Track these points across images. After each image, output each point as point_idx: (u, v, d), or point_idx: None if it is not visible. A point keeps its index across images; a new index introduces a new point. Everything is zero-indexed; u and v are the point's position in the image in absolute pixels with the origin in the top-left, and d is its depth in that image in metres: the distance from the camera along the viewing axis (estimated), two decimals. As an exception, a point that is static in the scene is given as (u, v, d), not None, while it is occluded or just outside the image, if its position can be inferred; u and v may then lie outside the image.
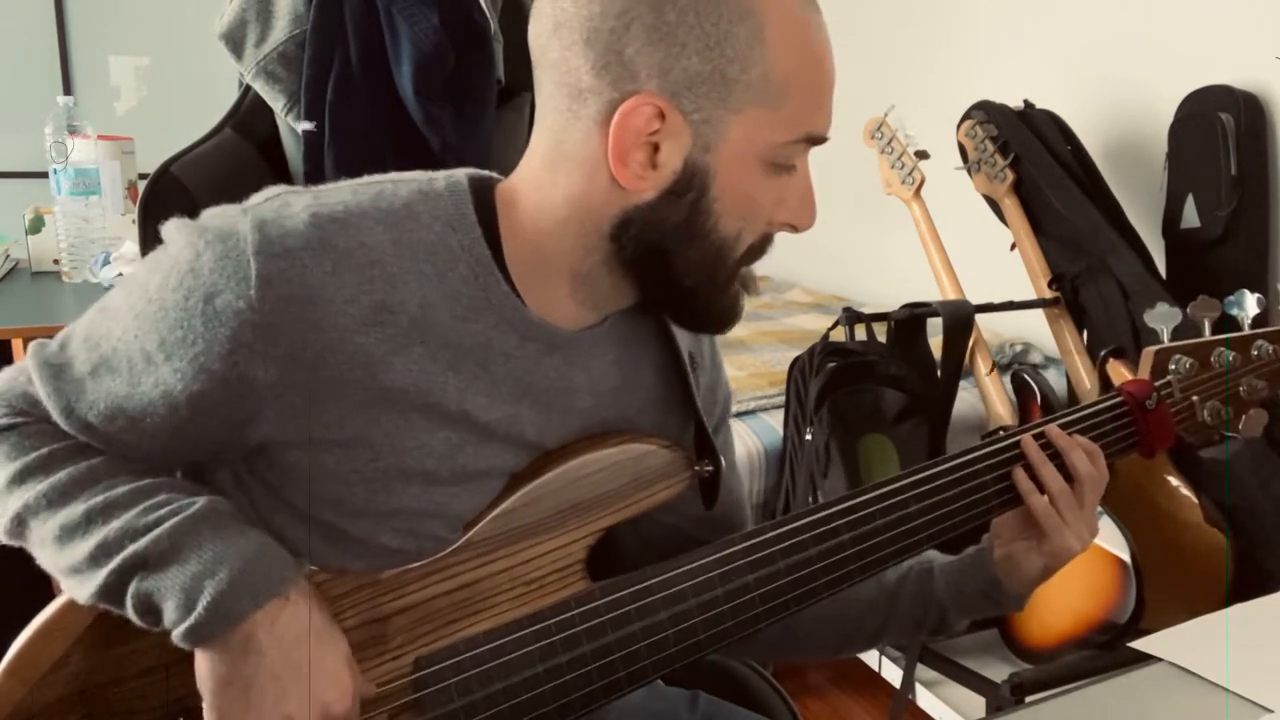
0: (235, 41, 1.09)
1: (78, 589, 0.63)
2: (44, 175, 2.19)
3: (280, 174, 1.14)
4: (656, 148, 0.64)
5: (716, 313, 0.72)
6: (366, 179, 0.69)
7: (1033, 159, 2.00)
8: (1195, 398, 0.87)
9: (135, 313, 0.64)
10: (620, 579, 0.72)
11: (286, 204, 0.64)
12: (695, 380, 0.80)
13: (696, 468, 0.77)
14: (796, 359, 1.85)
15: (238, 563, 0.61)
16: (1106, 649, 1.59)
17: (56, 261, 2.19)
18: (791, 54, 0.64)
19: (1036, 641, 1.68)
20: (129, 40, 3.49)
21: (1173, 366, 0.87)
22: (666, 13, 0.61)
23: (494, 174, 0.73)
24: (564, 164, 0.66)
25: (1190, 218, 1.90)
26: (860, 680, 2.07)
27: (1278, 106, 1.89)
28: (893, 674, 1.82)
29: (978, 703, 1.69)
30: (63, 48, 3.42)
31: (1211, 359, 0.88)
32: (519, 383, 0.69)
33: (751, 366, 2.20)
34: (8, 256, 2.30)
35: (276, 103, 1.11)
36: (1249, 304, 0.91)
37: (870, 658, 1.89)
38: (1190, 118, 1.91)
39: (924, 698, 1.77)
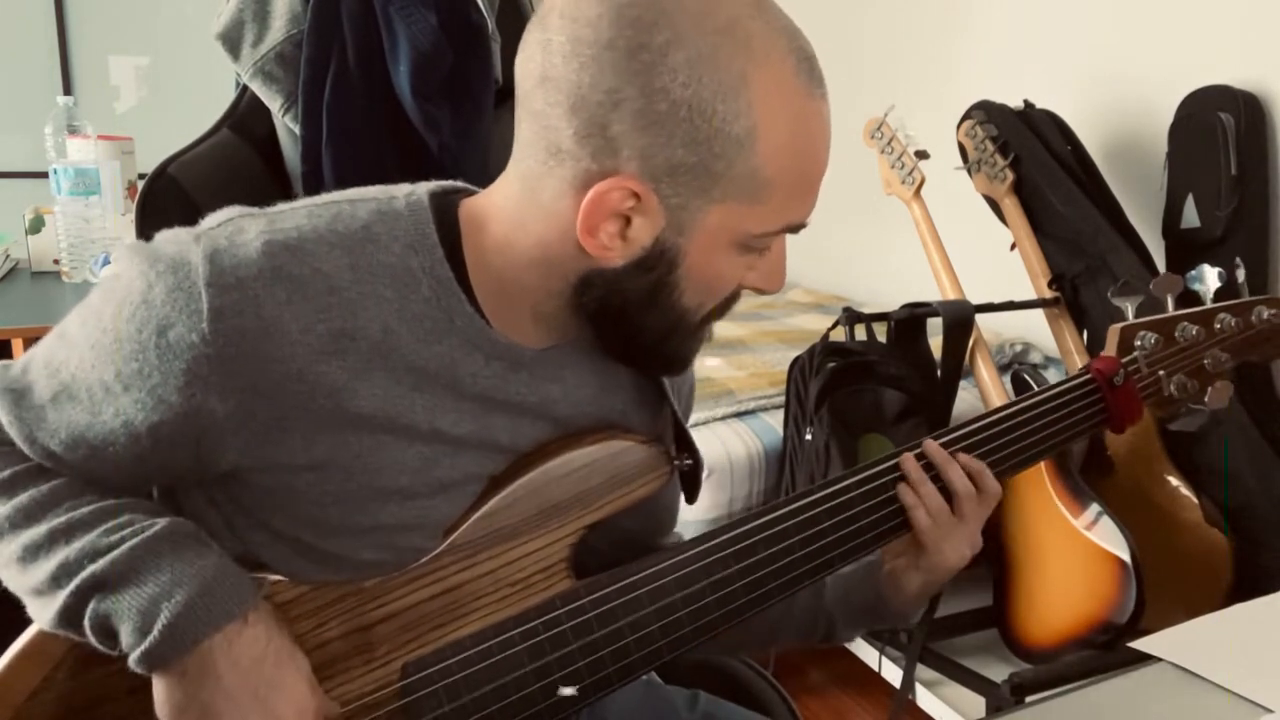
0: (232, 42, 1.09)
1: (41, 612, 0.62)
2: (44, 175, 2.19)
3: (277, 173, 1.14)
4: (629, 220, 0.63)
5: (670, 364, 0.73)
6: (324, 198, 0.68)
7: (1033, 159, 2.00)
8: (1161, 372, 0.88)
9: (91, 343, 0.62)
10: (605, 575, 0.72)
11: (240, 230, 0.63)
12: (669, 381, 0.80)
13: (676, 462, 0.77)
14: (796, 359, 1.84)
15: (194, 585, 0.60)
16: (1106, 649, 1.59)
17: (56, 261, 2.19)
18: (783, 154, 0.62)
19: (1036, 641, 1.68)
20: (129, 40, 3.49)
21: (1138, 343, 0.87)
22: (658, 102, 0.59)
23: (460, 185, 0.72)
24: (536, 212, 0.65)
25: (1190, 218, 1.89)
26: (860, 680, 2.07)
27: (1278, 106, 1.89)
28: (893, 674, 1.82)
29: (978, 703, 1.69)
30: (63, 48, 3.42)
31: (1176, 334, 0.89)
32: (489, 400, 0.69)
33: (751, 366, 2.20)
34: (8, 256, 2.30)
35: (274, 103, 1.11)
36: (1209, 278, 0.92)
37: (870, 657, 1.89)
38: (1190, 118, 1.91)
39: (924, 698, 1.77)
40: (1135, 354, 0.87)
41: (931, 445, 0.80)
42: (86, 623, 0.60)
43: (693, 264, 0.65)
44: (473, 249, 0.67)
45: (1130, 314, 0.90)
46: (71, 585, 0.60)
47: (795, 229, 0.67)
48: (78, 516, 0.62)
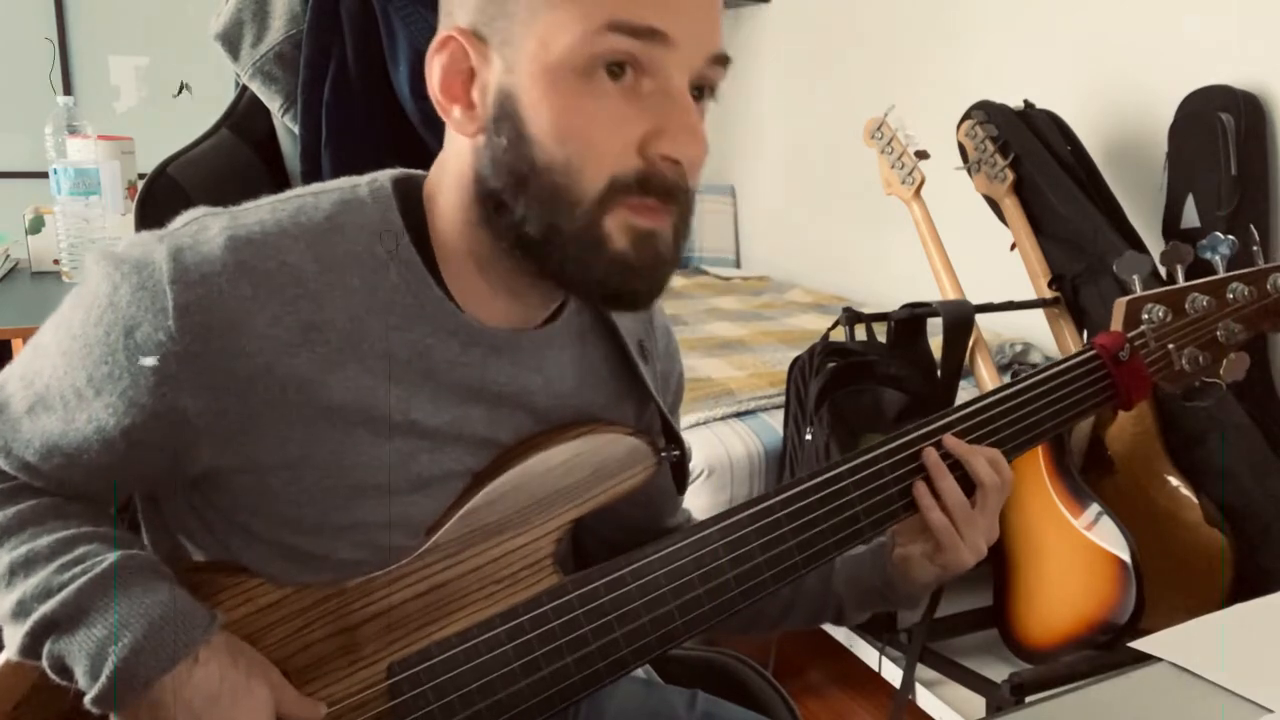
0: (232, 42, 1.09)
1: (8, 642, 0.62)
2: (44, 175, 2.19)
3: (277, 174, 1.14)
4: (473, 76, 0.62)
5: (592, 272, 0.62)
6: (288, 193, 0.67)
7: (1033, 159, 2.00)
8: (1171, 346, 0.85)
9: (63, 350, 0.62)
10: (593, 570, 0.71)
11: (204, 228, 0.62)
12: (652, 369, 0.80)
13: (663, 453, 0.76)
14: (796, 359, 1.84)
15: (141, 627, 0.59)
16: (1106, 649, 1.59)
17: (56, 261, 2.19)
18: None
19: (1036, 641, 1.68)
20: (129, 40, 3.49)
21: (1145, 316, 0.85)
22: None
23: (422, 172, 0.71)
24: (447, 146, 0.66)
25: (1190, 218, 1.90)
26: (860, 680, 2.07)
27: (1278, 106, 1.89)
28: (893, 674, 1.82)
29: (978, 703, 1.69)
30: (63, 48, 3.42)
31: (1186, 305, 0.86)
32: (466, 388, 0.67)
33: (751, 366, 2.20)
34: (8, 256, 2.30)
35: (273, 103, 1.10)
36: (1222, 247, 0.90)
37: (870, 657, 1.89)
38: (1190, 118, 1.91)
39: (924, 698, 1.77)
40: (1142, 328, 0.85)
41: (952, 440, 0.79)
42: (44, 662, 0.60)
43: (533, 103, 0.60)
44: (433, 225, 0.67)
45: (1137, 287, 0.87)
46: (26, 626, 0.60)
47: (629, 28, 0.58)
48: (37, 548, 0.62)
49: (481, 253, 0.66)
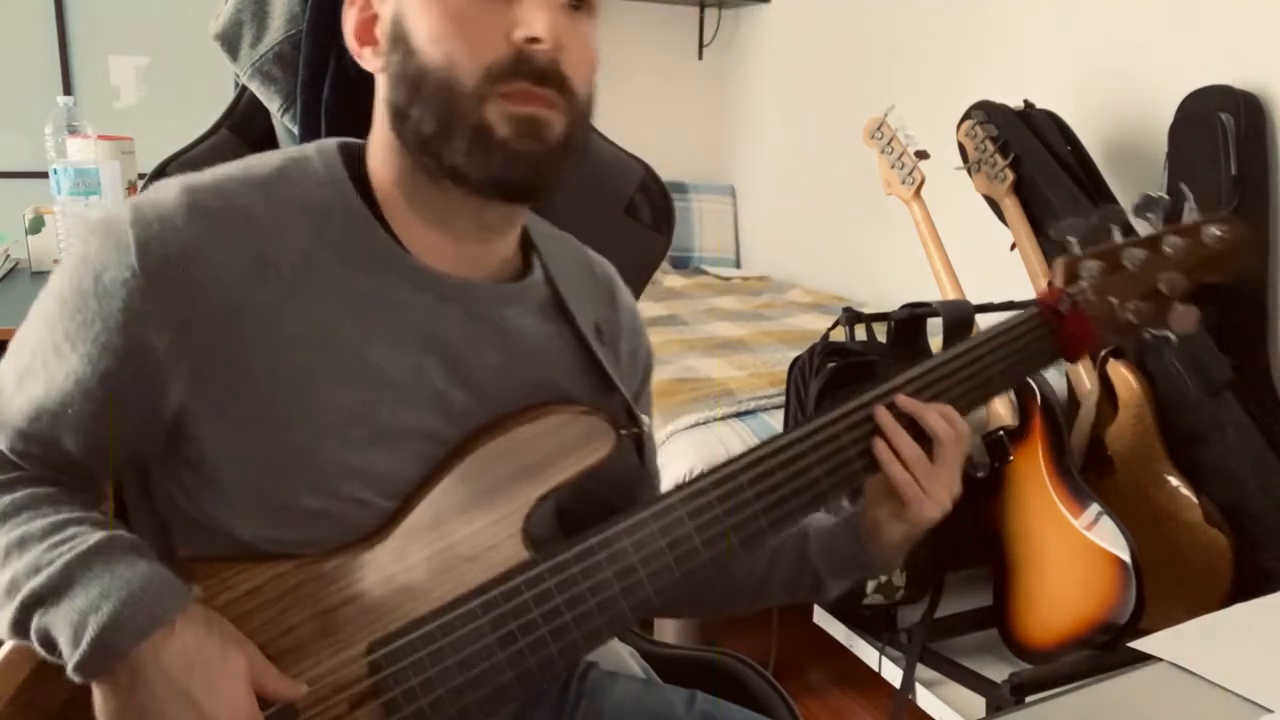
0: (230, 42, 1.08)
1: (0, 624, 0.64)
2: (44, 175, 2.19)
3: (278, 174, 1.14)
4: (377, 18, 0.70)
5: (478, 161, 0.66)
6: (237, 160, 0.72)
7: (1033, 159, 2.00)
8: (1114, 300, 0.88)
9: (45, 316, 0.67)
10: (562, 544, 0.73)
11: (160, 185, 0.68)
12: (614, 350, 0.82)
13: (623, 431, 0.78)
14: (796, 359, 1.84)
15: (120, 596, 0.61)
16: (1106, 649, 1.59)
17: (56, 261, 2.19)
18: None
19: (1036, 641, 1.69)
20: (129, 40, 3.49)
21: (1084, 272, 0.88)
22: None
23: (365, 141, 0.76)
24: (376, 104, 0.71)
25: (1190, 218, 1.89)
26: (860, 680, 2.07)
27: (1278, 106, 1.89)
28: (893, 674, 1.82)
29: (978, 703, 1.69)
30: (63, 48, 3.42)
31: (1123, 261, 0.89)
32: (420, 332, 0.70)
33: (751, 366, 2.20)
34: (8, 256, 2.30)
35: (272, 103, 1.10)
36: (1156, 208, 0.93)
37: (870, 657, 1.89)
38: (1190, 118, 1.91)
39: (924, 698, 1.77)
40: (1081, 282, 0.88)
41: (904, 398, 0.80)
42: (32, 636, 0.62)
43: (416, 19, 0.67)
44: (373, 179, 0.72)
45: (1076, 247, 0.91)
46: (16, 600, 0.62)
47: None
48: (31, 530, 0.64)
49: (405, 183, 0.71)
